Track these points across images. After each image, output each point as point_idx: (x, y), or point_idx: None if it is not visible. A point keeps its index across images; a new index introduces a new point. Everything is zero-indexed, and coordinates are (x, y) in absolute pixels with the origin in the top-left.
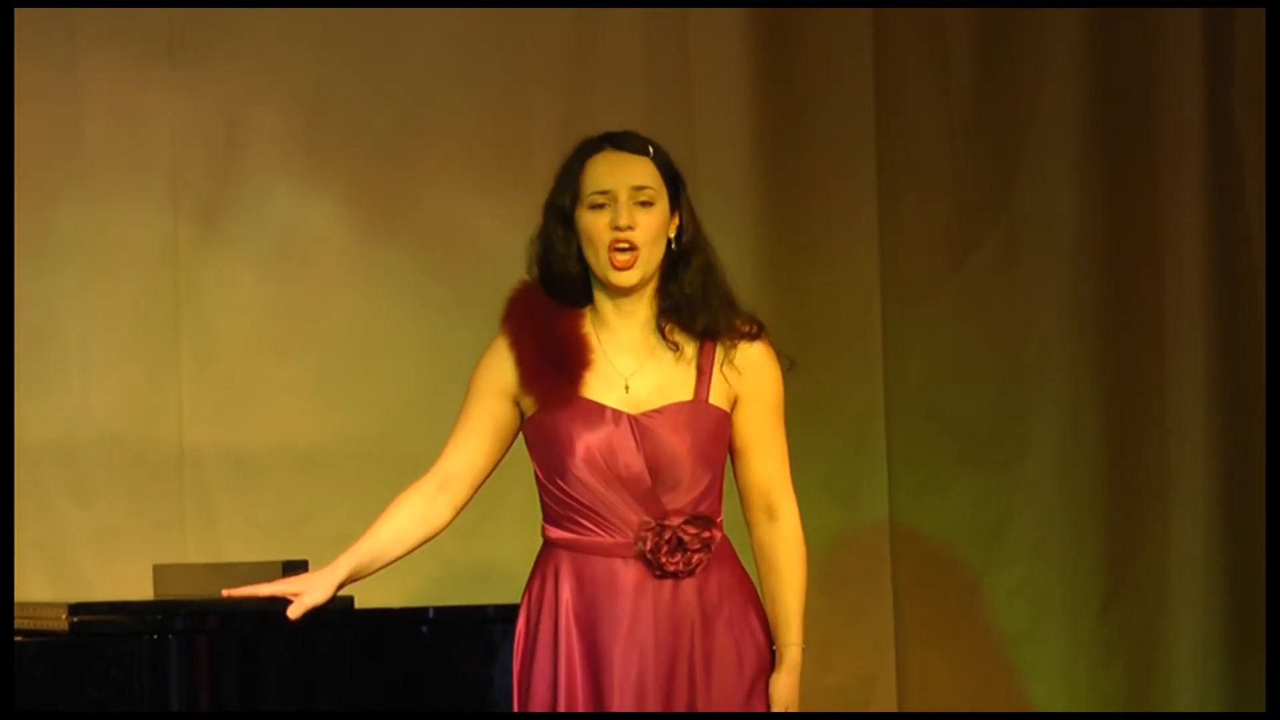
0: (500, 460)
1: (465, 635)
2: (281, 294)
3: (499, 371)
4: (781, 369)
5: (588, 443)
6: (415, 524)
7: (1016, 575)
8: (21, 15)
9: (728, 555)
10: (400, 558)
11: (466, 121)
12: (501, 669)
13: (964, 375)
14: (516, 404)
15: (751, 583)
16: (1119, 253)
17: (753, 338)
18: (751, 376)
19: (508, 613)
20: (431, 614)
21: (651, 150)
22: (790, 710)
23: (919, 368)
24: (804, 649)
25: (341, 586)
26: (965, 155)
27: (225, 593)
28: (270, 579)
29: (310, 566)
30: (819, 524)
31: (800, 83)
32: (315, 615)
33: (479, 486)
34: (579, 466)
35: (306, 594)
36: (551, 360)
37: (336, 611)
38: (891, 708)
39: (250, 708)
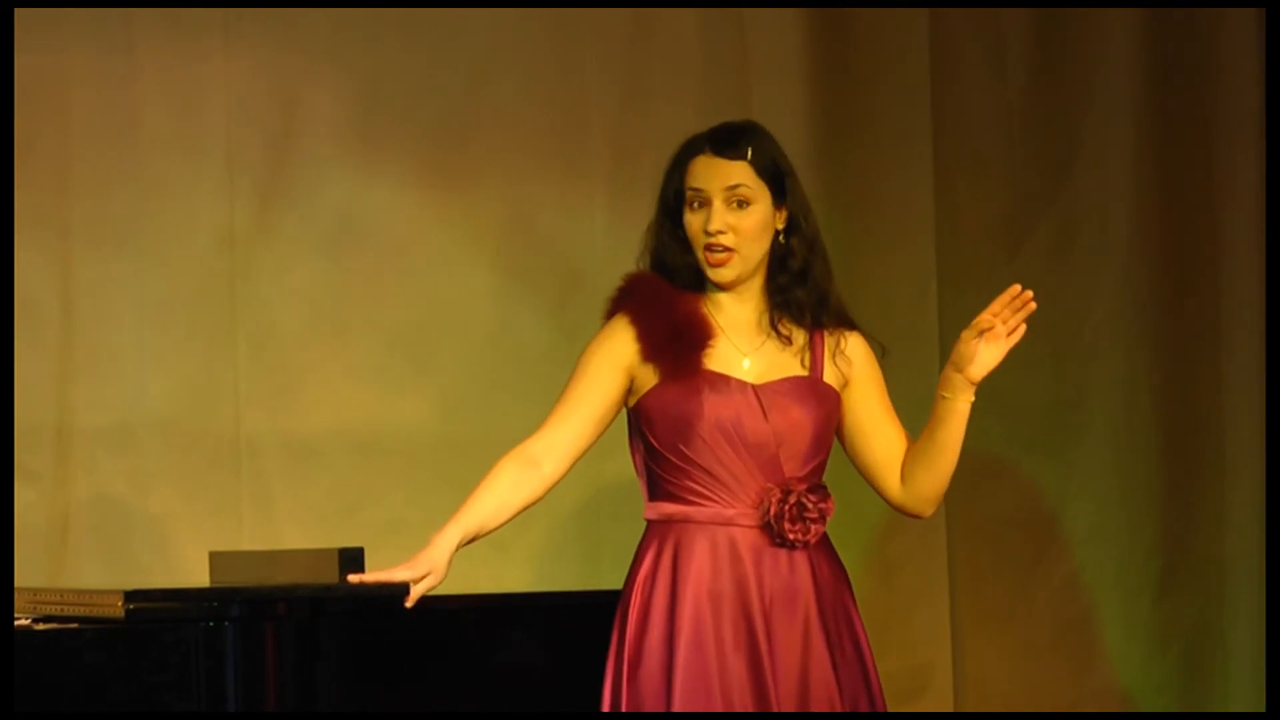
0: (595, 441)
1: (520, 624)
2: (337, 279)
3: (617, 345)
4: (877, 355)
5: (716, 407)
6: (516, 493)
7: (1072, 562)
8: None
9: (830, 547)
10: (501, 527)
11: (523, 107)
12: (559, 656)
13: (1019, 362)
14: (630, 381)
15: (850, 582)
16: (1174, 239)
17: (852, 328)
18: (860, 363)
19: (564, 600)
20: (486, 602)
21: (750, 153)
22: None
23: None
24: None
25: None
26: (1021, 142)
27: (353, 578)
28: (327, 566)
29: (366, 553)
30: (875, 510)
31: (856, 72)
32: (370, 602)
33: (575, 463)
34: (707, 430)
35: (431, 576)
36: (677, 332)
37: (393, 598)
38: (948, 693)
39: (306, 694)
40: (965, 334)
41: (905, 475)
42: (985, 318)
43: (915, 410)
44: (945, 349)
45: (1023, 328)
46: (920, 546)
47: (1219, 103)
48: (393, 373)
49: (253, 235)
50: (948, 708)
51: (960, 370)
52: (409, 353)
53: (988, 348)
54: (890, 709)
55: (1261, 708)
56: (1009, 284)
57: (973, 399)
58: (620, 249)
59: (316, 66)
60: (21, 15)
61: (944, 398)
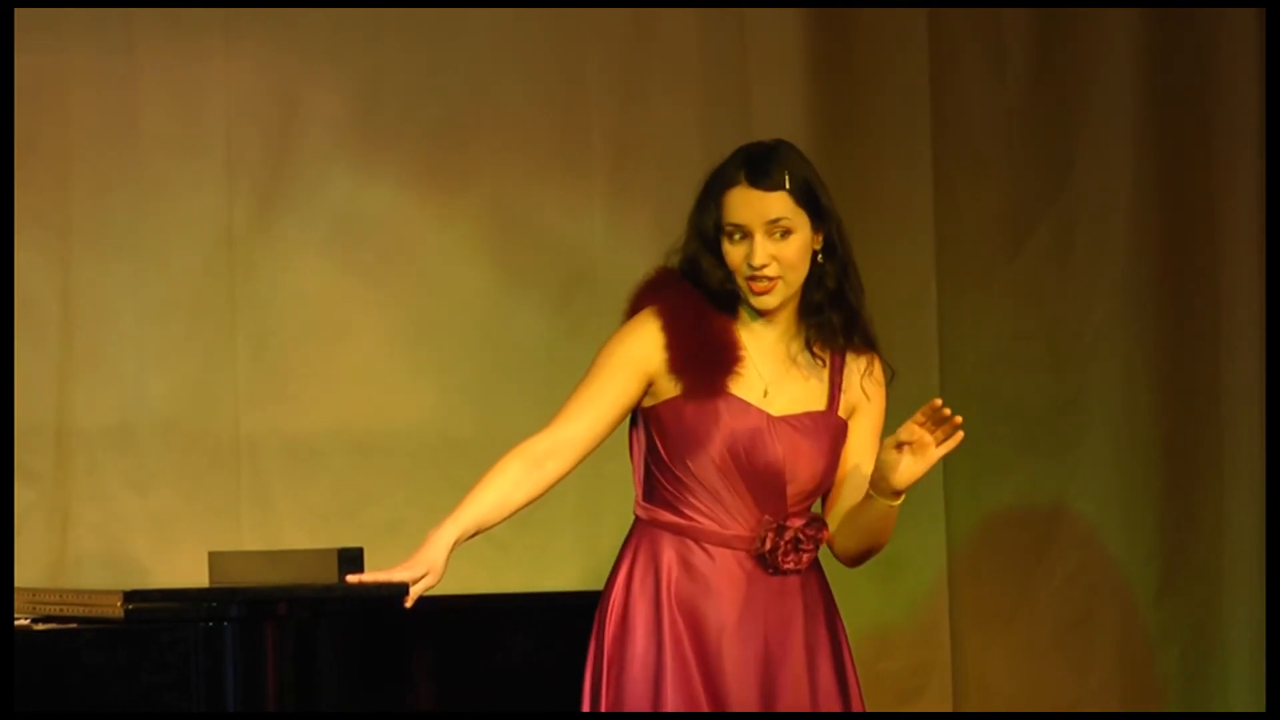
0: (604, 441)
1: (520, 624)
2: (337, 279)
3: (643, 349)
4: (885, 379)
5: (734, 432)
6: (518, 491)
7: (1072, 562)
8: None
9: (817, 565)
10: (501, 523)
11: (523, 107)
12: (559, 656)
13: (1019, 362)
14: (648, 385)
15: (835, 599)
16: (1174, 239)
17: (872, 349)
18: (868, 396)
19: (563, 600)
20: (486, 602)
21: (787, 181)
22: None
23: (974, 355)
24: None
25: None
26: (1021, 143)
27: (352, 578)
28: (326, 566)
29: (367, 553)
30: None
31: (856, 72)
32: (369, 602)
33: (581, 461)
34: (719, 452)
35: (429, 576)
36: (708, 349)
37: (392, 598)
38: (946, 694)
39: (306, 694)
40: (886, 442)
41: (838, 528)
42: (907, 429)
43: (913, 411)
44: (944, 349)
45: (959, 435)
46: (920, 546)
47: (1219, 103)
48: (393, 373)
49: (252, 235)
50: (947, 708)
51: (884, 478)
52: (409, 353)
53: (912, 459)
54: (890, 709)
55: (1261, 708)
56: (1009, 284)
57: (898, 503)
58: (620, 249)
59: (316, 66)
60: (21, 15)
61: (869, 495)
